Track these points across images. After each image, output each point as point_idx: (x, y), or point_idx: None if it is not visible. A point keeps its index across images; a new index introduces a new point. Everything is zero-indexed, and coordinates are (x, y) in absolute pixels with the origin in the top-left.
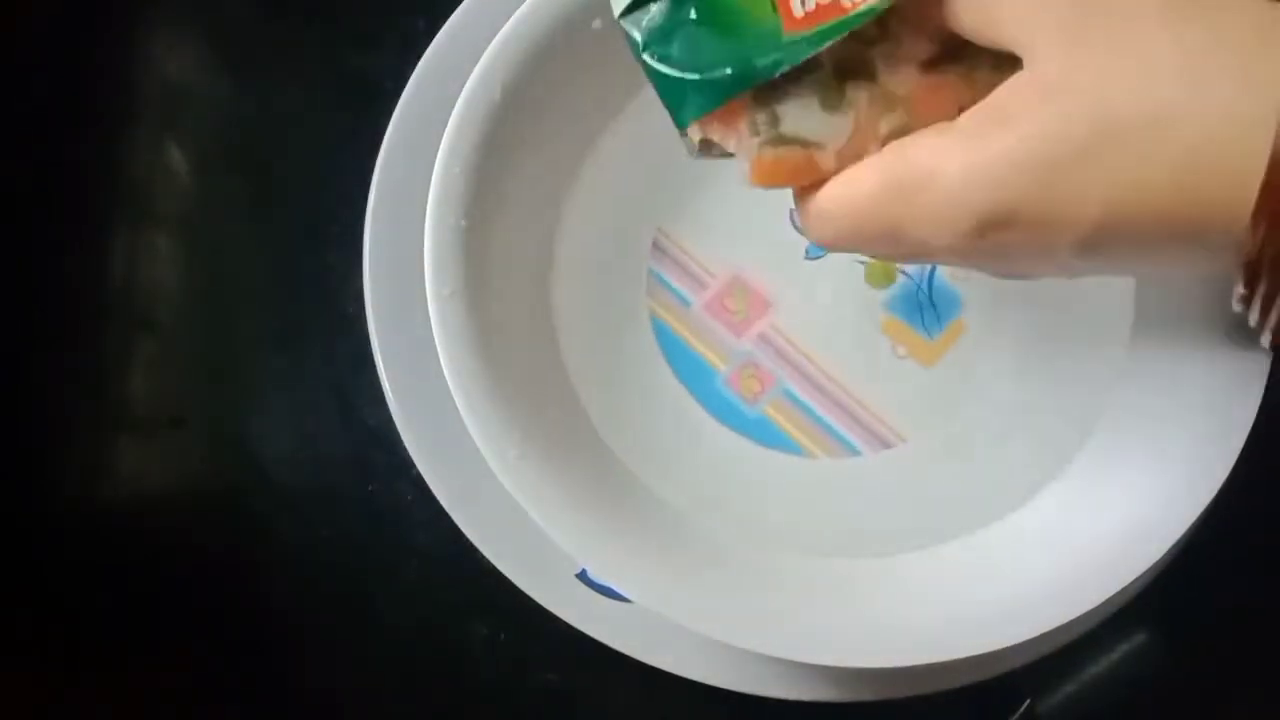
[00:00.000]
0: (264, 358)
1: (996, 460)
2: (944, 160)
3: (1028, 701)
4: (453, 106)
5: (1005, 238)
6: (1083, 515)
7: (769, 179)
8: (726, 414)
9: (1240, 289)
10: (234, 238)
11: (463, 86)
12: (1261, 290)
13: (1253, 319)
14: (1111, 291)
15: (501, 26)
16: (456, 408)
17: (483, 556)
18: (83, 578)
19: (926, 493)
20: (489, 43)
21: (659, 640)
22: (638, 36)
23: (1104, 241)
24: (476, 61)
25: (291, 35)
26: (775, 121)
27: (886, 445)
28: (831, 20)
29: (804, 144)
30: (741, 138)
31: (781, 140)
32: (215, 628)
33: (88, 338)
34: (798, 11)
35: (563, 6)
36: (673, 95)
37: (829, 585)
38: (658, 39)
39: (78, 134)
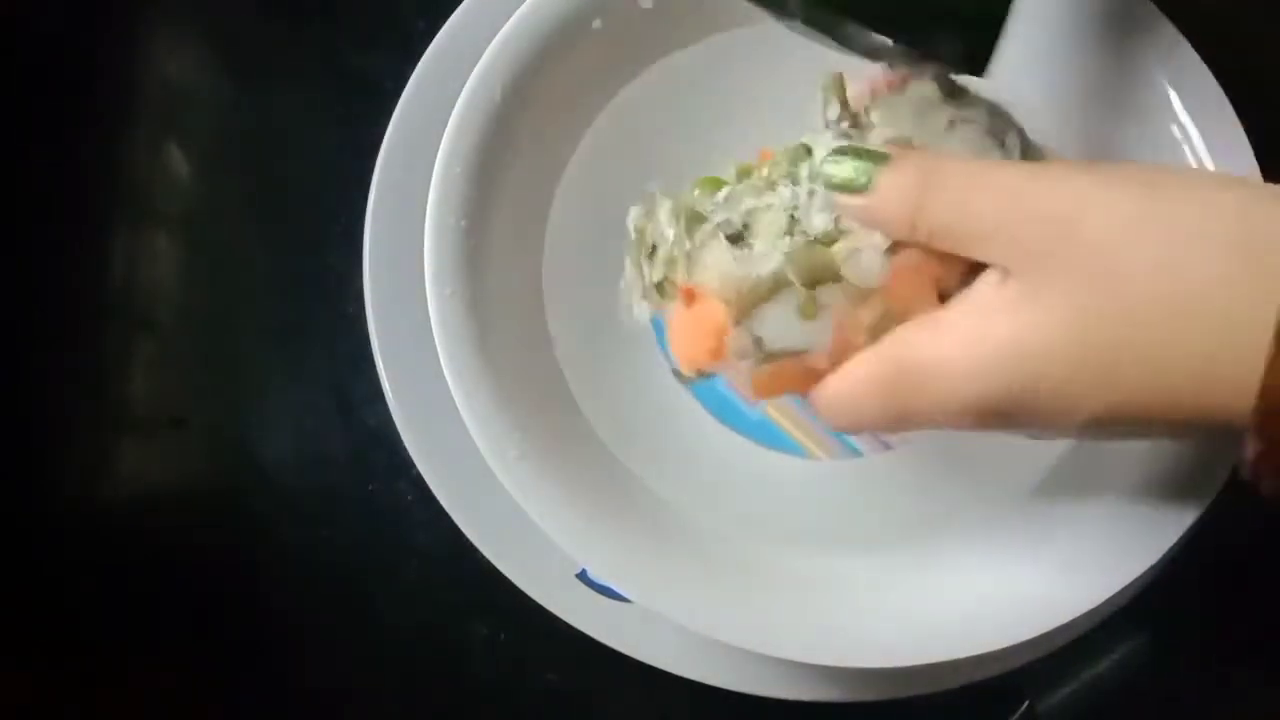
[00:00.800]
0: (264, 358)
1: (996, 460)
2: (939, 361)
3: (1027, 702)
4: (453, 106)
5: (1007, 424)
6: (1082, 515)
7: (771, 392)
8: (727, 414)
9: (1248, 457)
10: (234, 238)
11: (463, 86)
12: (1266, 459)
13: (1263, 487)
14: None
15: (501, 26)
16: (456, 408)
17: (483, 556)
18: (83, 578)
19: (926, 493)
20: (489, 43)
21: (659, 640)
22: None
23: (1103, 430)
24: (476, 61)
25: (291, 35)
26: (760, 343)
27: (887, 446)
28: None
29: (794, 354)
30: (733, 367)
31: (772, 357)
32: (215, 628)
33: (88, 338)
34: None
35: (563, 6)
36: None
37: (829, 585)
38: None
39: (78, 134)
